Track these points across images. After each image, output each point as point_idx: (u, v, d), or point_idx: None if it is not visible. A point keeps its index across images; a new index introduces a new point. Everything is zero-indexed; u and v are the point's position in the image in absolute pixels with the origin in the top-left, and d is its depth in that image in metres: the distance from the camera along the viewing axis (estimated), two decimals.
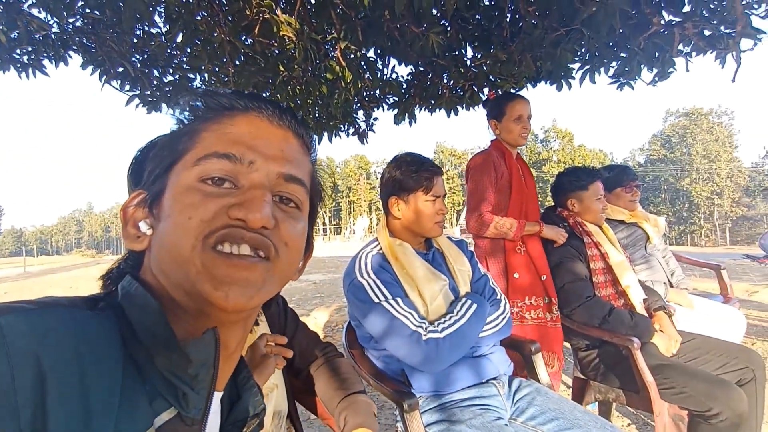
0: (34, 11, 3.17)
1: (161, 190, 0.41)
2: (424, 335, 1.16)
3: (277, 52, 2.78)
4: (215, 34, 2.80)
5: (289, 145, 0.46)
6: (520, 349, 1.53)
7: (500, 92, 2.19)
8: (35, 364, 0.28)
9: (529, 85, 2.62)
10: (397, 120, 3.74)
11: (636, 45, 2.17)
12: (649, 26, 2.00)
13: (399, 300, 1.21)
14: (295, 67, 2.95)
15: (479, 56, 2.42)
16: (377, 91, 3.71)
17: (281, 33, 2.46)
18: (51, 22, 3.36)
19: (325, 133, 4.10)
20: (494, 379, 1.28)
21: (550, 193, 2.25)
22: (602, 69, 2.56)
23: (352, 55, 2.71)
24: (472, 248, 1.57)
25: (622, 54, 2.40)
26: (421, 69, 2.88)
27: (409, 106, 3.35)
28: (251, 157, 0.42)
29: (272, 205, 0.41)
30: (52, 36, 3.44)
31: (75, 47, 3.55)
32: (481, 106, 2.41)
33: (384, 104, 3.90)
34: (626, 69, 2.44)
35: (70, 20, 3.36)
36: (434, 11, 2.25)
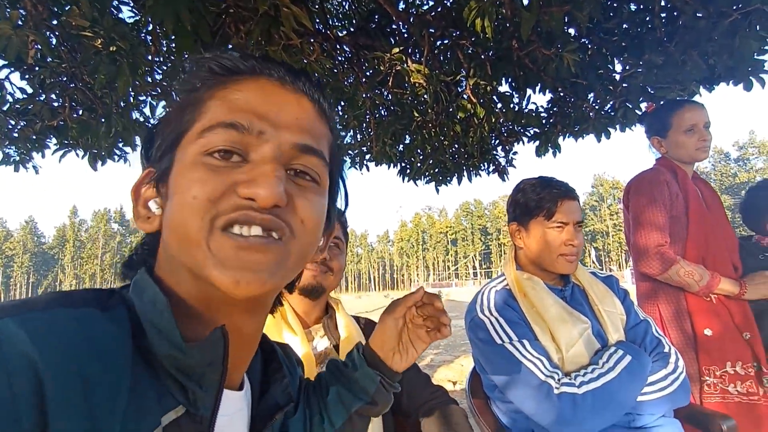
0: None
1: (168, 166, 0.39)
2: (557, 388, 0.95)
3: (410, 99, 2.96)
4: (357, 93, 3.16)
5: (304, 112, 0.41)
6: (706, 426, 1.11)
7: (662, 103, 1.82)
8: (32, 368, 0.27)
9: (702, 90, 2.12)
10: (540, 152, 3.48)
11: None
12: None
13: (526, 342, 1.03)
14: (429, 110, 3.08)
15: (628, 67, 2.09)
16: (514, 125, 3.56)
17: (412, 80, 2.62)
18: None
19: (465, 173, 4.08)
20: None
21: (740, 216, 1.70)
22: None
23: (483, 91, 2.69)
24: (622, 286, 1.27)
25: None
26: (561, 93, 2.65)
27: (551, 135, 3.10)
28: (260, 126, 0.37)
29: (285, 179, 0.37)
30: None
31: None
32: (638, 124, 2.04)
33: (524, 137, 3.70)
34: None
35: None
36: (566, 29, 2.08)
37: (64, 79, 2.91)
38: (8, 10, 1.66)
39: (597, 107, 2.59)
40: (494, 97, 2.75)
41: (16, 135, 3.21)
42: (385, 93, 3.21)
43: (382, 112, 3.79)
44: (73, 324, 0.30)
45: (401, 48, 2.42)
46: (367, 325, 1.11)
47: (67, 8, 2.02)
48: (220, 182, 0.35)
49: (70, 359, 0.29)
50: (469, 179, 4.19)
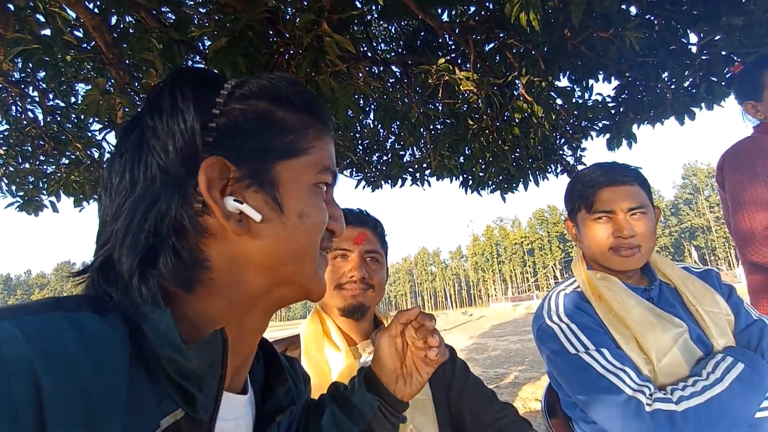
0: None
1: (272, 179, 0.40)
2: (648, 404, 0.80)
3: (463, 108, 2.90)
4: (410, 110, 3.19)
5: None
6: None
7: (750, 62, 1.56)
8: (30, 370, 0.27)
9: None
10: (612, 145, 3.19)
11: None
12: None
13: (606, 351, 0.89)
14: (483, 117, 2.99)
15: (704, 35, 1.84)
16: (579, 120, 3.32)
17: (463, 88, 2.57)
18: None
19: (530, 178, 3.87)
20: None
21: None
22: None
23: (539, 89, 2.55)
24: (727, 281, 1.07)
25: None
26: (628, 77, 2.42)
27: (622, 125, 2.83)
28: (337, 177, 0.48)
29: None
30: None
31: None
32: (726, 97, 1.77)
33: (592, 132, 3.42)
34: None
35: None
36: (625, 8, 1.91)
37: None
38: (96, 77, 1.94)
39: (673, 86, 2.32)
40: (551, 93, 2.59)
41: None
42: (437, 105, 3.19)
43: (437, 126, 3.76)
44: (70, 326, 0.31)
45: (447, 58, 2.40)
46: None
47: (144, 70, 2.32)
48: (326, 214, 0.44)
49: (67, 361, 0.29)
50: (536, 183, 3.95)
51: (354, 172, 4.73)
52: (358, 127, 4.21)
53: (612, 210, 0.99)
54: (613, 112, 2.87)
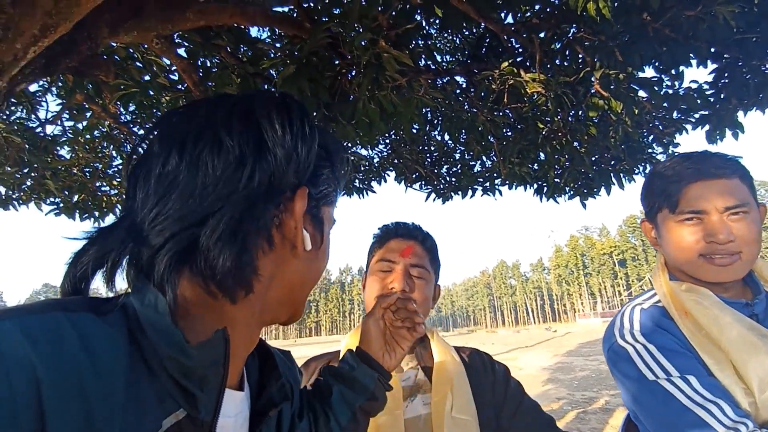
0: (362, 151, 4.62)
1: (321, 218, 0.49)
2: None
3: (531, 111, 2.76)
4: (477, 119, 3.11)
5: None
6: None
7: None
8: (30, 370, 0.27)
9: None
10: (712, 138, 2.79)
11: None
12: None
13: (693, 379, 0.74)
14: (554, 119, 2.81)
15: None
16: (670, 112, 2.96)
17: (529, 91, 2.45)
18: (371, 156, 4.76)
19: (613, 181, 3.52)
20: None
21: None
22: None
23: (616, 82, 2.33)
24: None
25: None
26: (726, 59, 2.11)
27: (724, 114, 2.47)
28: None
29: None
30: (375, 165, 4.85)
31: (390, 168, 4.83)
32: None
33: (687, 124, 3.03)
34: None
35: (382, 150, 4.65)
36: None
37: None
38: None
39: None
40: (632, 85, 2.35)
41: None
42: (505, 111, 3.08)
43: (506, 133, 3.62)
44: (70, 327, 0.31)
45: (511, 61, 2.31)
46: (472, 356, 0.98)
47: None
48: None
49: (68, 362, 0.29)
50: (621, 186, 3.58)
51: (423, 185, 4.73)
52: (425, 140, 4.20)
53: (703, 210, 0.83)
54: (712, 99, 2.52)
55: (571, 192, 3.84)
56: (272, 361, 0.51)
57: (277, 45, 3.29)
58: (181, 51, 2.86)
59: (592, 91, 2.44)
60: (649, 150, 3.47)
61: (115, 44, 2.66)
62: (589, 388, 7.46)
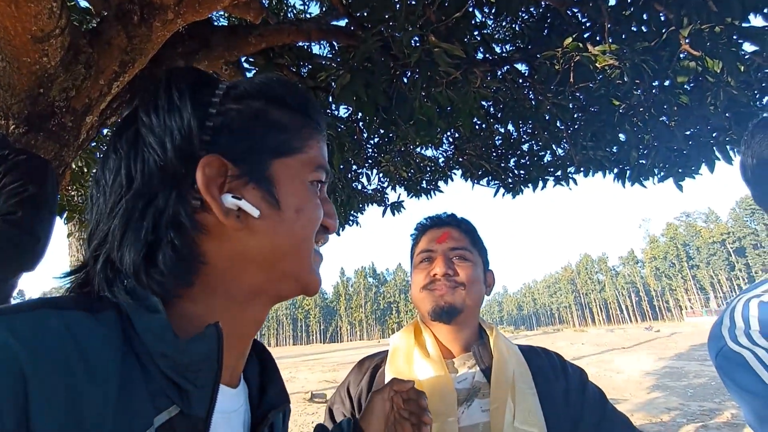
0: (427, 152, 4.58)
1: (269, 176, 0.41)
2: None
3: (604, 89, 2.50)
4: (542, 105, 2.91)
5: None
6: None
7: None
8: (17, 368, 0.27)
9: None
10: None
11: None
12: None
13: None
14: (632, 92, 2.53)
15: None
16: None
17: (599, 65, 2.23)
18: (436, 156, 4.70)
19: (717, 155, 3.05)
20: None
21: None
22: None
23: (711, 38, 2.02)
24: None
25: None
26: None
27: None
28: (330, 176, 0.48)
29: None
30: (441, 164, 4.78)
31: (457, 167, 4.73)
32: None
33: None
34: None
35: (446, 149, 4.57)
36: None
37: None
38: None
39: None
40: (734, 37, 2.02)
41: None
42: (573, 94, 2.83)
43: (576, 116, 3.33)
44: (60, 325, 0.31)
45: (574, 35, 2.12)
46: (538, 356, 0.88)
47: None
48: (321, 210, 0.45)
49: (57, 360, 0.29)
50: (728, 160, 3.08)
51: (490, 181, 4.55)
52: (489, 134, 4.04)
53: None
54: None
55: (662, 173, 3.41)
56: (272, 365, 0.50)
57: (334, 57, 3.41)
58: (249, 75, 3.09)
59: (678, 52, 2.15)
60: (764, 113, 2.96)
61: None
62: (709, 398, 6.48)
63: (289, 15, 3.83)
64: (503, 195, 4.50)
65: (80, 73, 1.67)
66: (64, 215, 3.52)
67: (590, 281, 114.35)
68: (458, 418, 0.77)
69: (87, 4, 2.36)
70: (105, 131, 3.38)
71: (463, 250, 0.89)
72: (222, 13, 3.07)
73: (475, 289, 0.87)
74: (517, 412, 0.74)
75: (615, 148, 3.38)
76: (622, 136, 3.12)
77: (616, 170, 3.51)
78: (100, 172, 0.41)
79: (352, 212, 5.14)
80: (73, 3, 3.07)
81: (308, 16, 3.96)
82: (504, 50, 3.65)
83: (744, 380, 0.67)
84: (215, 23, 2.64)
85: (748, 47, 2.22)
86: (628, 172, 3.42)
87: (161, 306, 0.35)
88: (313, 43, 3.49)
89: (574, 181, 3.92)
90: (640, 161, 3.23)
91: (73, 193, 3.75)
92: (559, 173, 3.93)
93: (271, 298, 0.43)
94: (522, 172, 4.34)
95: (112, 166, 0.40)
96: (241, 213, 0.39)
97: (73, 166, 3.38)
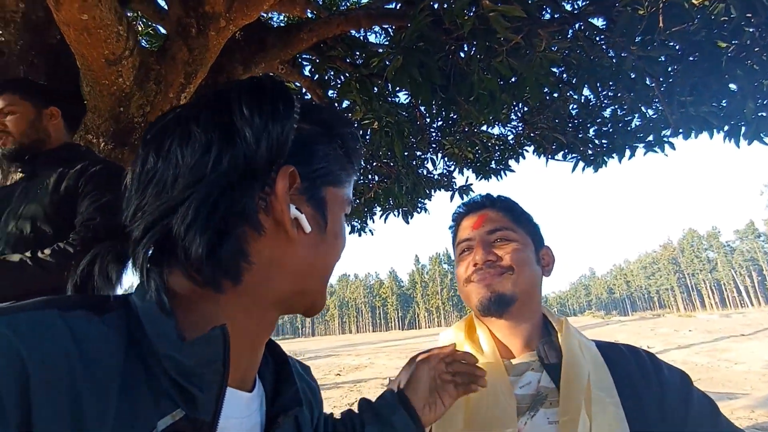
0: (494, 130, 4.33)
1: (322, 198, 0.44)
2: None
3: (705, 30, 2.09)
4: (625, 61, 2.54)
5: None
6: None
7: None
8: (20, 366, 0.27)
9: None
10: None
11: None
12: None
13: None
14: (745, 29, 2.08)
15: None
16: None
17: (697, 2, 1.87)
18: (504, 134, 4.41)
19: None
20: None
21: None
22: None
23: None
24: None
25: None
26: None
27: None
28: None
29: None
30: (511, 142, 4.48)
31: (528, 143, 4.40)
32: None
33: None
34: None
35: (516, 125, 4.26)
36: None
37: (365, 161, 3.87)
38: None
39: None
40: None
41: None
42: (664, 42, 2.42)
43: (670, 68, 2.86)
44: (63, 325, 0.31)
45: None
46: (623, 355, 0.71)
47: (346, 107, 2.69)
48: (346, 240, 0.49)
49: (59, 360, 0.29)
50: (761, 140, 2.43)
51: (567, 154, 4.16)
52: (562, 103, 3.68)
53: None
54: None
55: None
56: (288, 367, 0.50)
57: (389, 43, 3.33)
58: (306, 72, 3.14)
59: None
60: None
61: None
62: None
63: (342, 7, 3.82)
64: (583, 169, 4.08)
65: (152, 90, 1.81)
66: None
67: (697, 260, 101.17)
68: (521, 428, 0.66)
69: (163, 30, 2.56)
70: None
71: (505, 230, 0.78)
72: (275, 15, 3.15)
73: (527, 271, 0.75)
74: (594, 427, 0.60)
75: (724, 101, 2.84)
76: (732, 86, 2.61)
77: (726, 127, 2.95)
78: (174, 145, 0.39)
79: (419, 199, 5.07)
80: (152, 28, 3.38)
81: (361, 3, 3.92)
82: (575, 5, 3.26)
83: None
84: (269, 25, 2.71)
85: None
86: (743, 128, 2.84)
87: (168, 305, 0.35)
88: (369, 32, 3.46)
89: (671, 145, 3.40)
90: (759, 113, 2.67)
91: None
92: (650, 138, 3.44)
93: (286, 309, 0.45)
94: (604, 141, 3.89)
95: (196, 144, 0.39)
96: (296, 225, 0.41)
97: None
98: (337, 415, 0.65)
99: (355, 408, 0.67)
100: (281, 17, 3.09)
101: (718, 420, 0.64)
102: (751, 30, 1.96)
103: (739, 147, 3.07)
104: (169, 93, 1.84)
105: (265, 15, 2.61)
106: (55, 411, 0.28)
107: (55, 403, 0.28)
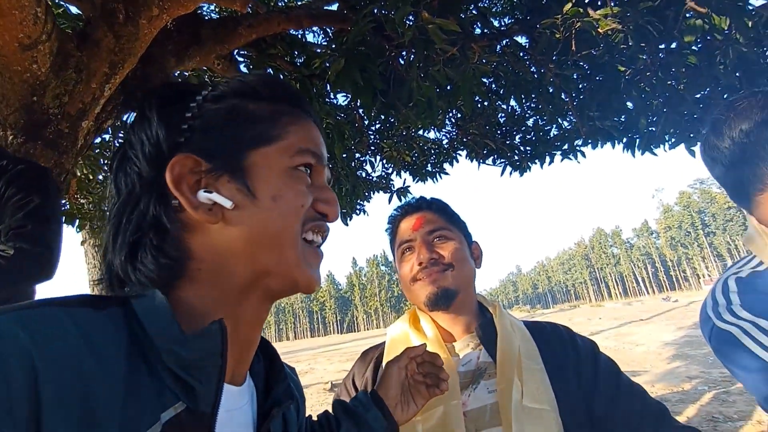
0: (430, 134, 4.52)
1: (243, 167, 0.42)
2: None
3: (607, 56, 2.41)
4: (545, 77, 2.82)
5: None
6: None
7: None
8: (28, 363, 0.28)
9: None
10: None
11: None
12: None
13: None
14: (638, 57, 2.43)
15: None
16: None
17: (602, 30, 2.14)
18: (440, 138, 4.63)
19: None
20: None
21: None
22: None
23: None
24: None
25: None
26: None
27: None
28: (323, 160, 0.47)
29: None
30: (446, 146, 4.72)
31: (461, 148, 4.66)
32: None
33: None
34: None
35: (450, 130, 4.49)
36: None
37: None
38: None
39: None
40: None
41: None
42: (576, 63, 2.74)
43: (580, 86, 3.23)
44: (69, 320, 0.32)
45: (573, 0, 2.04)
46: (545, 331, 0.84)
47: None
48: (310, 196, 0.44)
49: (66, 355, 0.30)
50: None
51: (496, 159, 4.47)
52: (492, 111, 3.95)
53: None
54: None
55: (673, 140, 3.30)
56: (278, 364, 0.50)
57: (328, 44, 3.34)
58: (243, 68, 3.04)
59: (686, 12, 2.05)
60: None
61: (187, 73, 2.93)
62: None
63: (280, 4, 3.76)
64: (510, 173, 4.42)
65: (71, 78, 1.65)
66: (76, 223, 3.55)
67: (605, 255, 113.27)
68: (465, 401, 0.75)
69: (77, 11, 2.34)
70: (107, 137, 3.39)
71: (442, 230, 0.86)
72: (212, 7, 3.02)
73: (466, 266, 0.84)
74: (525, 390, 0.71)
75: (623, 116, 3.27)
76: (629, 104, 3.02)
77: (625, 139, 3.41)
78: (107, 193, 0.45)
79: (358, 201, 5.12)
80: (63, 9, 3.05)
81: (299, 3, 3.89)
82: (502, 23, 3.54)
83: (737, 358, 0.66)
84: (205, 18, 2.59)
85: (755, 1, 2.12)
86: (637, 140, 3.31)
87: (166, 302, 0.36)
88: (306, 31, 3.44)
89: (582, 153, 3.83)
90: (650, 128, 3.13)
91: (82, 201, 3.79)
92: (566, 147, 3.84)
93: (265, 295, 0.43)
94: (528, 148, 4.25)
95: (111, 186, 0.44)
96: (217, 206, 0.40)
97: (79, 174, 3.40)
98: (315, 417, 0.68)
99: (329, 410, 0.69)
100: (219, 10, 2.96)
101: (620, 377, 0.77)
102: (644, 57, 2.30)
103: (634, 156, 3.55)
104: (91, 83, 1.69)
105: (203, 7, 2.50)
106: (64, 403, 0.28)
107: (64, 395, 0.28)
